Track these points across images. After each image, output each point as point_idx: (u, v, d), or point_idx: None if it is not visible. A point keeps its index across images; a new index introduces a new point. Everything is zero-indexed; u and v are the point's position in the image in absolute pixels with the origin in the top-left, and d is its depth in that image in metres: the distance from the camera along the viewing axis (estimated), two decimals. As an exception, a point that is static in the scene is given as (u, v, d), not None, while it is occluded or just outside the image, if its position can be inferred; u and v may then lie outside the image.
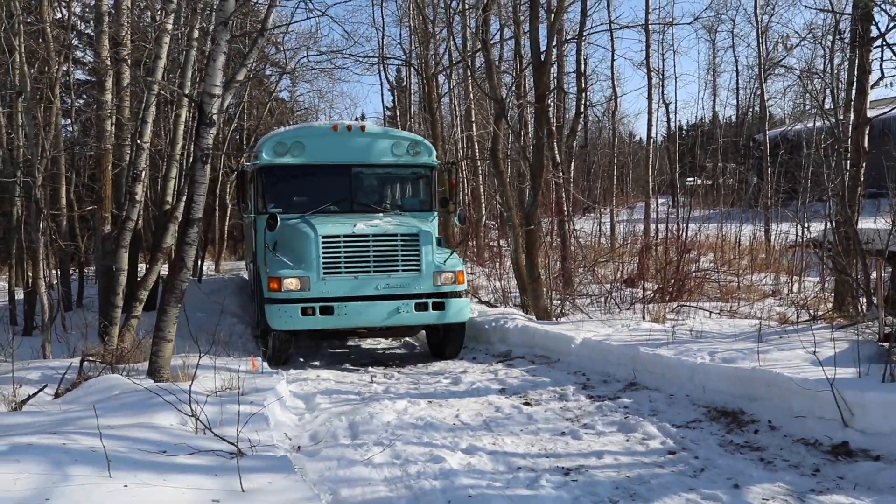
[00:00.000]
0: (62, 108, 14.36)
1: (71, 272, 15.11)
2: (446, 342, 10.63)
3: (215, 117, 7.46)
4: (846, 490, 5.18)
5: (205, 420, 5.53)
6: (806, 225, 14.56)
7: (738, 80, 47.00)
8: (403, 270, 9.69)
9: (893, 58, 11.05)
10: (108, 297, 10.00)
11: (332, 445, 6.42)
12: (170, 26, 9.68)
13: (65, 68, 13.36)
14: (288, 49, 22.49)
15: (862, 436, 5.93)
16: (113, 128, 10.80)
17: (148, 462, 4.84)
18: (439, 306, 9.83)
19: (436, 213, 11.62)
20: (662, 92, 37.24)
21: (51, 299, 10.23)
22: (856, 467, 5.52)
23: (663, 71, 37.52)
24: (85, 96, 22.60)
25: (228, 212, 24.86)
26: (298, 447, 6.35)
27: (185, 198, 9.07)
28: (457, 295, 10.11)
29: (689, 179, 38.86)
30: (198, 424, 5.66)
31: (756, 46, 26.48)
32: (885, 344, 7.08)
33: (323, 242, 9.45)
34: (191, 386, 5.72)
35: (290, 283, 9.29)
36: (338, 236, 9.52)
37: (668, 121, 41.76)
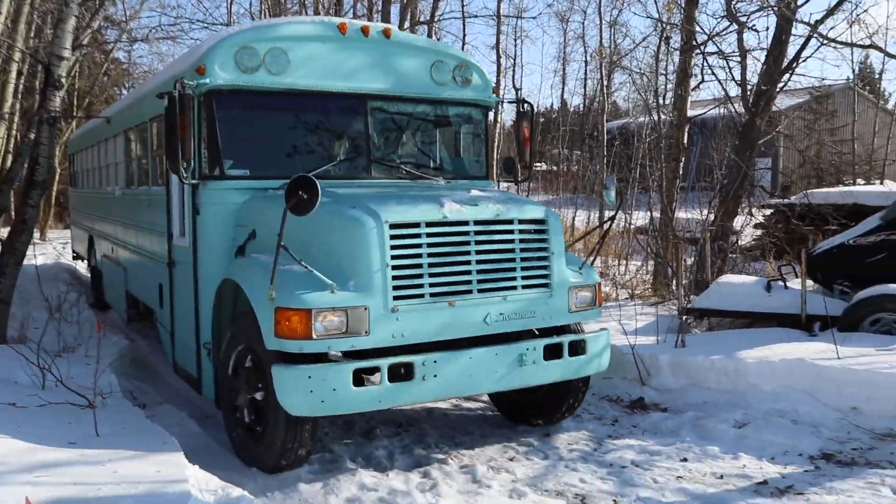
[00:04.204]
0: None
1: None
2: (558, 400, 6.22)
3: (64, 80, 7.46)
4: (637, 435, 6.12)
5: (56, 375, 5.73)
6: (629, 212, 15.97)
7: (586, 71, 49.40)
8: (525, 287, 5.45)
9: (709, 67, 12.38)
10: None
11: (178, 405, 6.74)
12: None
13: None
14: (128, 7, 21.65)
15: (656, 392, 6.97)
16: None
17: (-2, 412, 5.03)
18: (578, 348, 5.73)
19: (492, 183, 7.08)
20: (513, 78, 38.62)
21: None
22: (647, 417, 6.51)
23: (515, 57, 38.96)
24: None
25: (57, 176, 23.65)
26: (143, 405, 6.60)
27: (23, 160, 8.91)
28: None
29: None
30: (45, 380, 5.84)
31: (600, 41, 28.26)
32: (682, 317, 8.17)
33: (392, 238, 4.99)
34: (39, 343, 5.87)
35: (331, 321, 4.76)
36: (416, 224, 5.07)
37: (518, 106, 43.23)
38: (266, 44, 5.87)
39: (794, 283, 8.41)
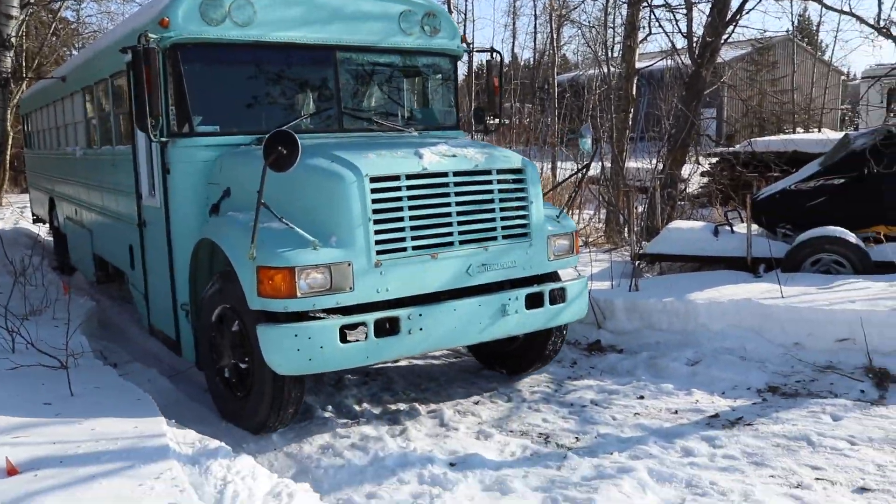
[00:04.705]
0: None
1: None
2: (538, 348, 6.27)
3: (13, 39, 7.32)
4: (594, 376, 6.42)
5: (27, 337, 5.76)
6: (582, 162, 16.20)
7: (535, 24, 49.30)
8: (505, 237, 5.48)
9: (656, 20, 12.61)
10: None
11: (148, 363, 6.82)
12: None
13: None
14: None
15: (611, 335, 7.27)
16: None
17: (-31, 376, 5.07)
18: (559, 297, 5.76)
19: (462, 134, 7.07)
20: (464, 32, 38.36)
21: None
22: (604, 359, 6.82)
23: (466, 12, 38.64)
24: None
25: (10, 140, 23.07)
26: (114, 364, 6.66)
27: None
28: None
29: (488, 117, 40.54)
30: (14, 343, 5.86)
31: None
32: (635, 262, 8.47)
33: (373, 192, 4.95)
34: (6, 306, 5.87)
35: (315, 278, 4.73)
36: (397, 177, 5.03)
37: (469, 60, 42.98)
38: None
39: (740, 228, 8.76)
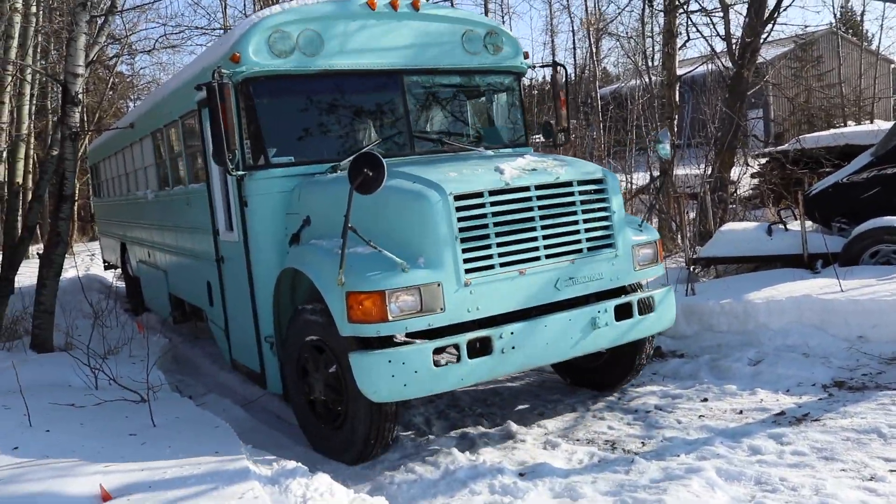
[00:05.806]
0: None
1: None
2: (629, 359, 6.13)
3: (80, 96, 7.75)
4: (657, 381, 6.46)
5: (109, 374, 6.08)
6: (630, 173, 16.26)
7: (574, 41, 49.33)
8: (590, 248, 5.36)
9: (693, 25, 12.64)
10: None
11: (222, 394, 7.08)
12: (19, 5, 9.67)
13: None
14: (128, 20, 21.97)
15: (671, 340, 7.30)
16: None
17: (62, 413, 5.38)
18: (646, 307, 5.63)
19: (531, 149, 6.89)
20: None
21: None
22: (666, 364, 6.85)
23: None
24: None
25: (76, 192, 24.18)
26: (190, 396, 6.94)
27: (46, 176, 9.25)
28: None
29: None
30: (97, 380, 6.18)
31: (585, 10, 28.41)
32: (690, 267, 8.48)
33: (458, 210, 4.87)
34: (88, 346, 6.19)
35: (406, 301, 4.66)
36: (480, 194, 4.95)
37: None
38: (298, 26, 5.74)
39: (794, 226, 8.70)
